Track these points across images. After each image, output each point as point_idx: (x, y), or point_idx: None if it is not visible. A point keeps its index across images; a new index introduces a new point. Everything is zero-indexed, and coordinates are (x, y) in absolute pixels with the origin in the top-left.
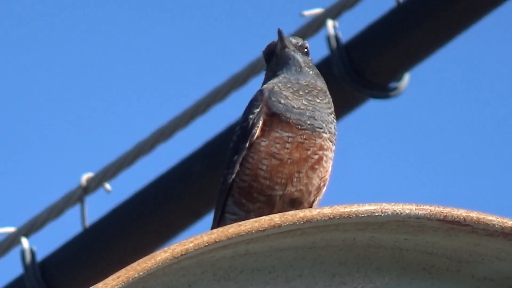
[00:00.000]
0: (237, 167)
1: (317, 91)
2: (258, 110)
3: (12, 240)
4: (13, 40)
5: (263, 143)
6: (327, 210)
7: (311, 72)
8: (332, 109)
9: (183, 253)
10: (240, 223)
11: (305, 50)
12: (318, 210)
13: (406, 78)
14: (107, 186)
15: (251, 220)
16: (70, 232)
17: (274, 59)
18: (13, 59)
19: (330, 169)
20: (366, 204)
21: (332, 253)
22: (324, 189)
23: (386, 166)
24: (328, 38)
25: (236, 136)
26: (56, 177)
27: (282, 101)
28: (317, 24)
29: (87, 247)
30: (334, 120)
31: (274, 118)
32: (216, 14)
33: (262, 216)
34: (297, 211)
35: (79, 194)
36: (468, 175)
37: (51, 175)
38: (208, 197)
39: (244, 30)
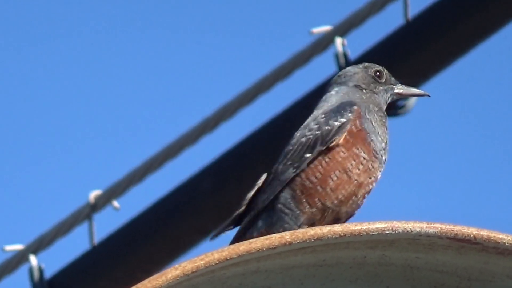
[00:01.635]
0: (305, 165)
1: (387, 131)
2: (344, 120)
3: (20, 258)
4: (17, 51)
5: (342, 155)
6: (338, 228)
7: (384, 108)
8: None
9: (193, 270)
10: (250, 240)
11: None
12: (328, 228)
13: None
14: (115, 203)
15: (262, 238)
16: (78, 250)
17: (373, 86)
18: (21, 72)
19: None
20: (377, 222)
21: (342, 271)
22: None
23: (396, 184)
24: (336, 56)
25: (312, 134)
26: (65, 194)
27: (373, 123)
28: (325, 41)
29: (95, 264)
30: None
31: (361, 134)
32: (225, 32)
33: (311, 220)
34: (307, 229)
35: (87, 212)
36: (479, 193)
37: (60, 192)
38: (216, 215)
39: (253, 47)
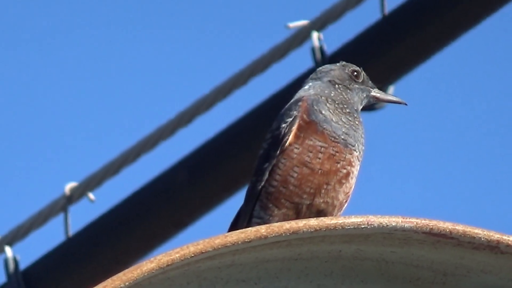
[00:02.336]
0: (267, 175)
1: (358, 121)
2: (291, 119)
3: None
4: None
5: (296, 151)
6: (313, 222)
7: (360, 107)
8: (364, 138)
9: (169, 263)
10: (226, 234)
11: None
12: (304, 222)
13: (390, 90)
14: (91, 195)
15: (237, 231)
16: (53, 241)
17: (348, 83)
18: None
19: (353, 186)
20: (353, 216)
21: (318, 265)
22: (345, 206)
23: (372, 179)
24: (313, 50)
25: (266, 144)
26: (40, 186)
27: (323, 112)
28: (302, 36)
29: (70, 256)
30: (364, 146)
31: (311, 126)
32: (202, 26)
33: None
34: (283, 222)
35: (63, 203)
36: (454, 188)
37: (35, 184)
38: (191, 208)
39: (230, 41)
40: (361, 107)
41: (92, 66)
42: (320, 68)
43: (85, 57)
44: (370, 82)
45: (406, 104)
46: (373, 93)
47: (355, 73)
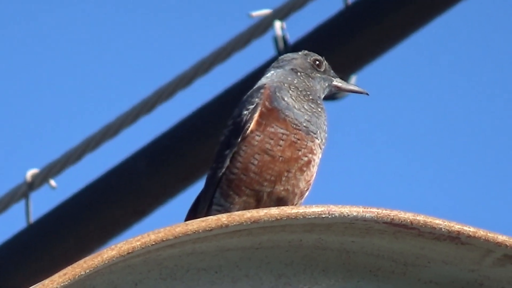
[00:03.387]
0: (228, 162)
1: (320, 108)
2: (252, 106)
3: None
4: None
5: (257, 138)
6: (274, 211)
7: (322, 95)
8: (327, 127)
9: (129, 251)
10: (187, 222)
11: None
12: (265, 211)
13: (353, 80)
14: (52, 182)
15: (198, 219)
16: (14, 228)
17: (310, 71)
18: None
19: (315, 175)
20: (313, 206)
21: (278, 254)
22: (306, 194)
23: (333, 168)
24: (275, 39)
25: (227, 131)
26: (1, 172)
27: (286, 99)
28: (264, 25)
29: (32, 243)
30: (327, 134)
31: (273, 113)
32: (164, 15)
33: (247, 209)
34: (244, 211)
35: (24, 190)
36: (414, 178)
37: None
38: (151, 195)
39: (193, 29)
40: (323, 96)
41: (53, 50)
42: (282, 56)
43: (46, 41)
44: (332, 71)
45: (367, 94)
46: (334, 83)
47: (317, 62)
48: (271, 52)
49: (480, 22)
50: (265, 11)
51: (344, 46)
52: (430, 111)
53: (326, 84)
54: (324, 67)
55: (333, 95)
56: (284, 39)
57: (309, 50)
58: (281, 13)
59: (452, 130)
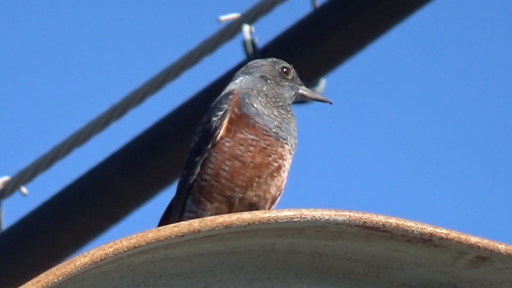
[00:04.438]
0: (198, 169)
1: (290, 115)
2: (222, 113)
3: None
4: None
5: (227, 144)
6: (246, 216)
7: (290, 103)
8: (297, 132)
9: (102, 258)
10: (159, 228)
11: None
12: (237, 216)
13: (322, 83)
14: (24, 189)
15: (170, 225)
16: None
17: (279, 79)
18: None
19: (285, 180)
20: (285, 210)
21: (251, 259)
22: (278, 199)
23: (305, 172)
24: (244, 43)
25: (197, 137)
26: None
27: (255, 105)
28: (233, 29)
29: (4, 250)
30: (296, 139)
31: (242, 119)
32: (132, 18)
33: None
34: (216, 216)
35: None
36: (386, 180)
37: None
38: (124, 201)
39: (161, 34)
40: (290, 103)
41: (21, 59)
42: (251, 62)
43: (13, 50)
44: (298, 79)
45: (331, 103)
46: (300, 91)
47: (285, 69)
48: (240, 56)
49: (452, 21)
50: (234, 15)
51: (313, 49)
52: (400, 112)
53: (293, 93)
54: (291, 75)
55: (299, 102)
56: (253, 43)
57: (278, 54)
58: (250, 17)
59: (422, 130)
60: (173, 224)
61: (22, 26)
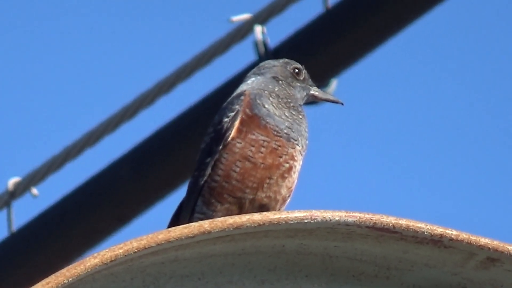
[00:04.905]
0: (209, 170)
1: (301, 115)
2: (233, 114)
3: None
4: None
5: (238, 145)
6: (257, 217)
7: (302, 103)
8: (308, 133)
9: (112, 259)
10: (169, 229)
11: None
12: (247, 217)
13: (334, 84)
14: (34, 190)
15: (181, 226)
16: None
17: (291, 80)
18: None
19: (296, 181)
20: (296, 211)
21: (261, 260)
22: (288, 200)
23: (316, 173)
24: (256, 44)
25: (208, 138)
26: None
27: (266, 106)
28: (245, 29)
29: (14, 252)
30: (307, 140)
31: (254, 120)
32: (145, 19)
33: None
34: (227, 217)
35: (6, 199)
36: (397, 181)
37: None
38: (134, 202)
39: (173, 34)
40: (302, 104)
41: (33, 60)
42: (263, 63)
43: (25, 51)
44: (310, 80)
45: (342, 104)
46: (312, 92)
47: (297, 70)
48: (251, 56)
49: (463, 23)
50: (245, 16)
51: (324, 49)
52: (411, 114)
53: (305, 94)
54: (303, 76)
55: (310, 103)
56: (265, 44)
57: (289, 54)
58: (261, 18)
59: (433, 133)
60: (184, 225)
61: (38, 27)
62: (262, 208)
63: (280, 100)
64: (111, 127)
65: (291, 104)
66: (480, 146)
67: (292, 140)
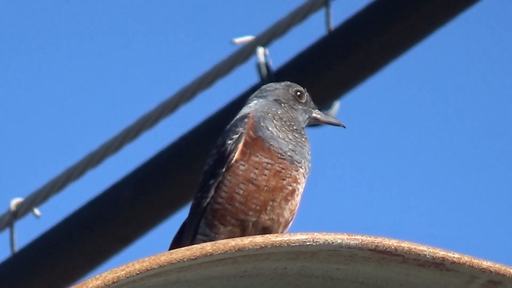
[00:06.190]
0: (212, 192)
1: (304, 138)
2: (237, 136)
3: None
4: None
5: (242, 167)
6: (259, 239)
7: (304, 126)
8: (310, 156)
9: (114, 280)
10: (172, 251)
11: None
12: (249, 239)
13: (336, 106)
14: (36, 211)
15: (183, 248)
16: None
17: (293, 103)
18: None
19: (299, 203)
20: (298, 233)
21: (263, 282)
22: (291, 223)
23: (318, 195)
24: (258, 66)
25: (212, 160)
26: None
27: (270, 128)
28: (247, 51)
29: (16, 272)
30: (310, 163)
31: (257, 142)
32: (147, 41)
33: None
34: (229, 239)
35: (8, 219)
36: (399, 204)
37: None
38: (136, 223)
39: (175, 56)
40: (304, 126)
41: (33, 81)
42: (265, 86)
43: (28, 74)
44: (312, 103)
45: (344, 127)
46: (314, 114)
47: (299, 93)
48: (254, 78)
49: (472, 44)
50: (248, 38)
51: (327, 72)
52: (413, 137)
53: (307, 116)
54: (305, 98)
55: (312, 125)
56: (267, 66)
57: (292, 76)
58: (264, 40)
59: (435, 157)
60: (186, 247)
61: (42, 53)
62: (265, 230)
63: (283, 123)
64: (114, 148)
65: (294, 127)
66: (482, 170)
67: (295, 162)
